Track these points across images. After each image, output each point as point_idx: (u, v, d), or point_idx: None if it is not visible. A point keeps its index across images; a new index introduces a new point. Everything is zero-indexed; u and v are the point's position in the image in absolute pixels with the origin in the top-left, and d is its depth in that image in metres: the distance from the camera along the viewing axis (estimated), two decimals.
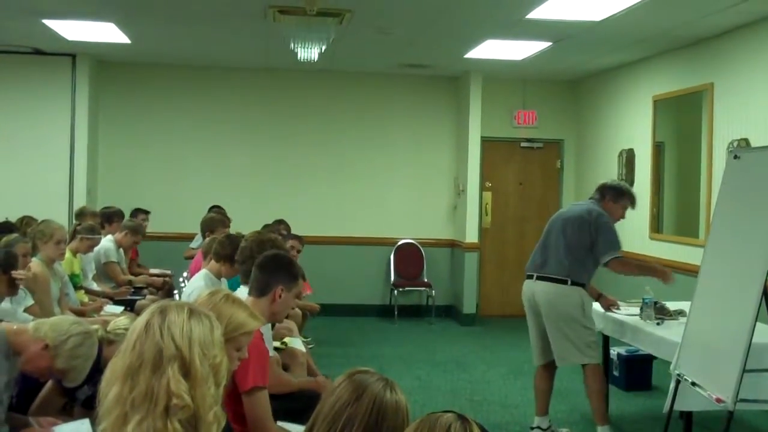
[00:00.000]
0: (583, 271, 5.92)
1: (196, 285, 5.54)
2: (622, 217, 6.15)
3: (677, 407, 4.67)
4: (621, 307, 6.31)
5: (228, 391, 3.61)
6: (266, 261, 4.05)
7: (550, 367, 6.13)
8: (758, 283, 3.66)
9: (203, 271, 5.79)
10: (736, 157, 4.31)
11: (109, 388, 2.27)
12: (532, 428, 6.18)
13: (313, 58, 8.44)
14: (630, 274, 6.22)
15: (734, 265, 4.03)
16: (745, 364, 3.64)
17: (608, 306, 6.29)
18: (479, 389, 7.60)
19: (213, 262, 5.82)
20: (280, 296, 3.95)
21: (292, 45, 8.02)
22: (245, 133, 11.19)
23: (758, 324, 4.09)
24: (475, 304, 11.04)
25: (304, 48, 8.00)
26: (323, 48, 8.16)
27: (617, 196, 6.07)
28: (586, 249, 5.88)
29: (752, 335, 3.65)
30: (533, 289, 6.04)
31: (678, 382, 4.39)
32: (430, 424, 1.86)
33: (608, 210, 6.01)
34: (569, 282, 5.85)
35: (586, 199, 6.33)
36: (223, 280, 5.78)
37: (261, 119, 11.21)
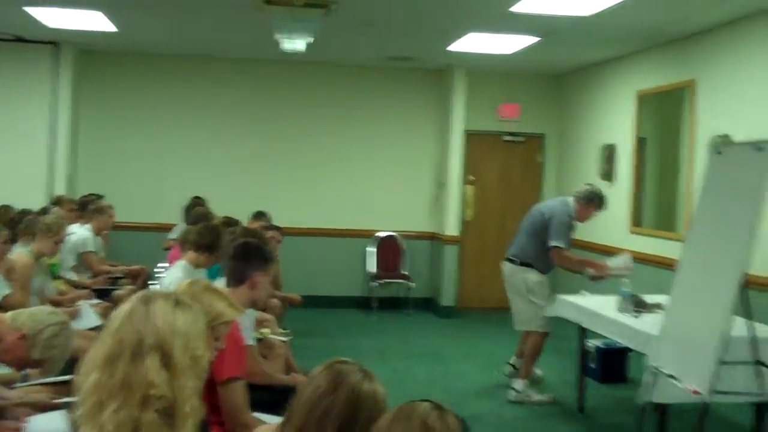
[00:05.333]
0: (534, 255, 7.01)
1: (174, 276, 5.50)
2: (584, 217, 7.10)
3: (654, 399, 4.69)
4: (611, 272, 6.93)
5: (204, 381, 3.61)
6: (238, 250, 4.06)
7: (540, 335, 7.06)
8: (735, 276, 3.68)
9: (182, 262, 5.75)
10: (718, 152, 4.33)
11: (88, 375, 2.22)
12: (508, 363, 7.45)
13: (299, 50, 8.40)
14: (570, 266, 7.11)
15: (712, 258, 4.05)
16: (721, 357, 3.65)
17: (598, 273, 6.99)
18: (456, 380, 7.62)
19: (191, 252, 5.79)
20: (258, 282, 3.96)
21: (277, 36, 7.97)
22: (228, 124, 11.14)
23: (735, 317, 4.12)
24: (454, 297, 11.06)
25: (290, 39, 7.96)
26: (309, 39, 8.12)
27: (587, 201, 7.03)
28: (540, 239, 6.95)
29: (729, 328, 3.66)
30: (502, 268, 7.26)
31: (654, 374, 4.40)
32: (407, 412, 1.86)
33: (578, 210, 7.02)
34: (518, 263, 7.07)
35: (566, 195, 7.20)
36: (202, 270, 5.74)
37: (245, 110, 11.16)
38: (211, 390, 3.61)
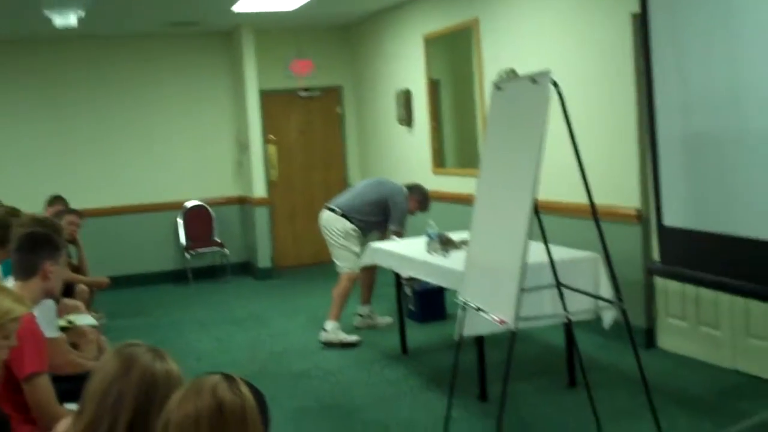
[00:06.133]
0: (360, 218, 7.43)
1: None
2: (414, 211, 7.62)
3: (466, 333, 4.82)
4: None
5: (3, 380, 3.45)
6: (24, 242, 3.84)
7: (368, 268, 7.51)
8: (527, 203, 3.79)
9: None
10: (498, 88, 4.43)
11: None
12: (355, 314, 7.77)
13: (72, 24, 8.06)
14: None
15: (503, 190, 4.17)
16: (522, 284, 3.77)
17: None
18: (280, 341, 7.61)
19: None
20: (50, 272, 3.78)
21: (46, 11, 7.61)
22: (10, 109, 10.56)
23: (533, 243, 4.26)
24: (270, 258, 11.02)
25: (60, 14, 7.62)
26: (81, 12, 7.78)
27: (419, 197, 7.64)
28: (376, 213, 7.45)
29: (526, 254, 3.78)
30: (320, 216, 7.62)
31: (464, 308, 4.52)
32: (197, 387, 1.82)
33: (410, 202, 7.54)
34: (340, 213, 7.42)
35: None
36: None
37: (26, 92, 10.59)
38: (14, 388, 3.46)
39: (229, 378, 1.86)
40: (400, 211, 7.45)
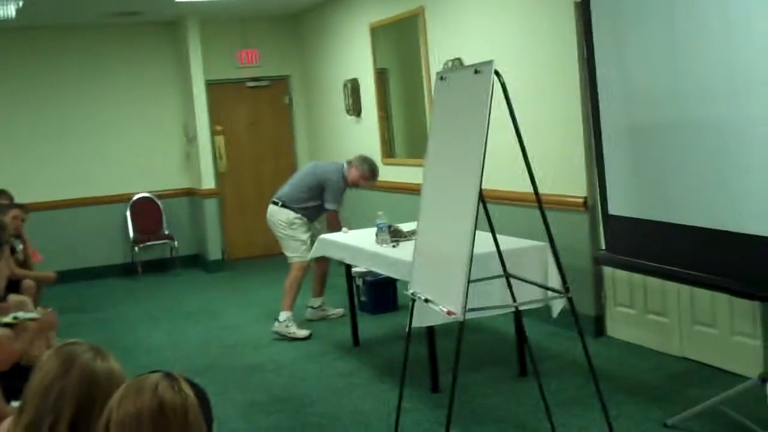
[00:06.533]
0: (299, 206, 7.39)
1: None
2: (361, 182, 7.41)
3: (416, 324, 4.82)
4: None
5: None
6: None
7: (320, 260, 7.48)
8: (473, 193, 3.80)
9: None
10: (442, 78, 4.44)
11: None
12: (307, 306, 7.76)
13: (10, 16, 7.91)
14: (335, 228, 7.33)
15: (449, 180, 4.18)
16: (469, 275, 3.78)
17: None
18: (232, 334, 7.57)
19: None
20: None
21: None
22: None
23: (481, 234, 4.26)
24: (221, 250, 10.95)
25: None
26: (18, 3, 7.65)
27: (360, 166, 7.37)
28: (312, 196, 7.39)
29: (473, 245, 3.79)
30: (268, 211, 7.57)
31: (413, 300, 4.52)
32: (137, 386, 1.80)
33: (352, 174, 7.36)
34: (280, 204, 7.41)
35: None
36: None
37: None
38: None
39: (170, 376, 1.84)
40: (332, 191, 7.37)
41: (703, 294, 5.39)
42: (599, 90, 4.67)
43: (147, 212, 11.07)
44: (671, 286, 5.65)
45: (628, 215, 4.60)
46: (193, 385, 1.86)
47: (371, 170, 7.42)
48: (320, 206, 7.47)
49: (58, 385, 2.13)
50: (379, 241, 6.20)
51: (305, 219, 7.45)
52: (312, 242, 7.33)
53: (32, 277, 7.30)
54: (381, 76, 9.50)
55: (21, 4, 7.74)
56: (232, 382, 6.15)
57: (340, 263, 7.09)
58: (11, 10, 7.85)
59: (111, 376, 2.16)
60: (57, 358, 2.17)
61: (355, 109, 9.95)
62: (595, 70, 4.68)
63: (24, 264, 7.48)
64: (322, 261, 7.55)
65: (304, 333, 7.20)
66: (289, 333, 7.19)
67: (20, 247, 7.55)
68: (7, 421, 2.56)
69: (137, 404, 1.77)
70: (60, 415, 2.11)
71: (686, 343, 5.73)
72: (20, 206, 7.66)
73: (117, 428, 1.76)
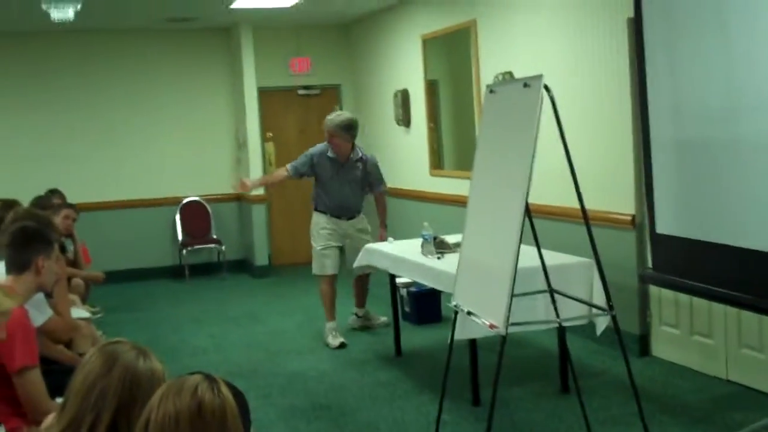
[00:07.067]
0: (314, 193, 7.48)
1: None
2: (340, 143, 7.22)
3: (458, 337, 4.81)
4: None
5: None
6: (16, 237, 3.85)
7: (358, 279, 7.53)
8: (519, 207, 3.79)
9: None
10: (491, 91, 4.44)
11: None
12: (352, 314, 7.75)
13: (69, 18, 8.05)
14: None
15: (497, 193, 4.17)
16: (513, 289, 3.77)
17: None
18: (275, 339, 7.60)
19: None
20: (42, 266, 3.80)
21: (44, 5, 7.61)
22: (6, 97, 10.53)
23: (527, 248, 4.26)
24: (267, 256, 11.02)
25: (57, 7, 7.61)
26: (77, 6, 7.78)
27: (327, 122, 7.26)
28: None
29: (517, 259, 3.78)
30: None
31: (456, 312, 4.52)
32: (177, 386, 1.82)
33: (329, 141, 7.25)
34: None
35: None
36: None
37: (23, 87, 10.58)
38: (4, 382, 3.48)
39: (210, 378, 1.86)
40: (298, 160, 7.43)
41: (750, 317, 5.32)
42: (650, 105, 4.63)
43: (196, 216, 11.18)
44: (717, 307, 5.58)
45: (676, 234, 4.55)
46: (232, 388, 1.87)
47: (342, 122, 7.21)
48: (318, 194, 7.44)
49: (100, 384, 2.15)
50: (425, 252, 6.19)
51: (322, 217, 7.39)
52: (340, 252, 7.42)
53: (82, 276, 7.42)
54: (431, 87, 9.51)
55: (79, 7, 7.86)
56: (274, 387, 6.18)
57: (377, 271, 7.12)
58: (70, 13, 7.98)
59: (153, 376, 2.18)
60: (100, 356, 2.20)
61: (405, 119, 9.97)
62: (647, 85, 4.64)
63: (74, 263, 7.59)
64: (360, 278, 7.58)
65: (334, 342, 7.16)
66: (326, 341, 7.23)
67: (71, 246, 7.67)
68: (50, 417, 2.61)
69: (176, 405, 1.79)
70: (101, 413, 2.13)
71: (732, 366, 5.65)
72: (71, 206, 7.78)
73: (155, 428, 1.78)
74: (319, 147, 7.37)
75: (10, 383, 3.48)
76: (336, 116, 7.31)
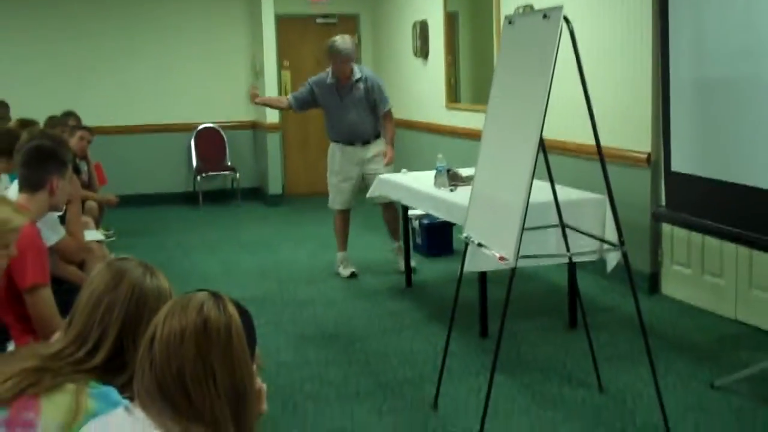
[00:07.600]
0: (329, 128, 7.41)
1: None
2: (334, 68, 7.08)
3: (468, 268, 4.81)
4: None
5: (4, 291, 3.48)
6: (30, 155, 3.83)
7: (388, 206, 7.30)
8: (534, 141, 3.76)
9: None
10: (510, 22, 4.37)
11: None
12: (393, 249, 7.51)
13: None
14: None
15: (512, 126, 4.13)
16: (524, 222, 3.76)
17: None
18: (286, 268, 7.64)
19: None
20: (56, 186, 3.79)
21: None
22: (24, 21, 10.52)
23: (540, 183, 4.23)
24: (281, 185, 11.03)
25: None
26: None
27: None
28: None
29: (529, 192, 3.76)
30: None
31: (466, 243, 4.51)
32: (183, 303, 1.81)
33: (334, 68, 7.10)
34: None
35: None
36: (4, 176, 5.48)
37: (41, 6, 10.55)
38: (15, 300, 3.49)
39: (216, 296, 1.85)
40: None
41: (762, 258, 5.30)
42: (671, 43, 4.57)
43: (211, 142, 11.18)
44: (729, 247, 5.57)
45: (691, 173, 4.52)
46: (239, 306, 1.86)
47: (328, 52, 7.10)
48: (328, 122, 7.40)
49: (106, 299, 2.15)
50: (437, 184, 6.17)
51: (335, 146, 7.35)
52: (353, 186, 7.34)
53: (95, 199, 7.44)
54: (451, 19, 9.40)
55: None
56: (284, 314, 6.22)
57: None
58: None
59: (159, 293, 2.18)
60: (107, 272, 2.20)
61: (423, 51, 9.88)
62: (668, 22, 4.57)
63: (88, 186, 7.61)
64: (389, 206, 7.34)
65: (345, 272, 7.23)
66: (337, 270, 7.29)
67: (85, 168, 7.68)
68: (58, 334, 2.62)
69: (182, 321, 1.78)
70: (107, 329, 2.14)
71: (741, 306, 5.65)
72: (86, 128, 7.78)
73: (161, 344, 1.78)
74: (319, 75, 7.32)
75: (22, 301, 3.49)
76: (331, 39, 7.13)
